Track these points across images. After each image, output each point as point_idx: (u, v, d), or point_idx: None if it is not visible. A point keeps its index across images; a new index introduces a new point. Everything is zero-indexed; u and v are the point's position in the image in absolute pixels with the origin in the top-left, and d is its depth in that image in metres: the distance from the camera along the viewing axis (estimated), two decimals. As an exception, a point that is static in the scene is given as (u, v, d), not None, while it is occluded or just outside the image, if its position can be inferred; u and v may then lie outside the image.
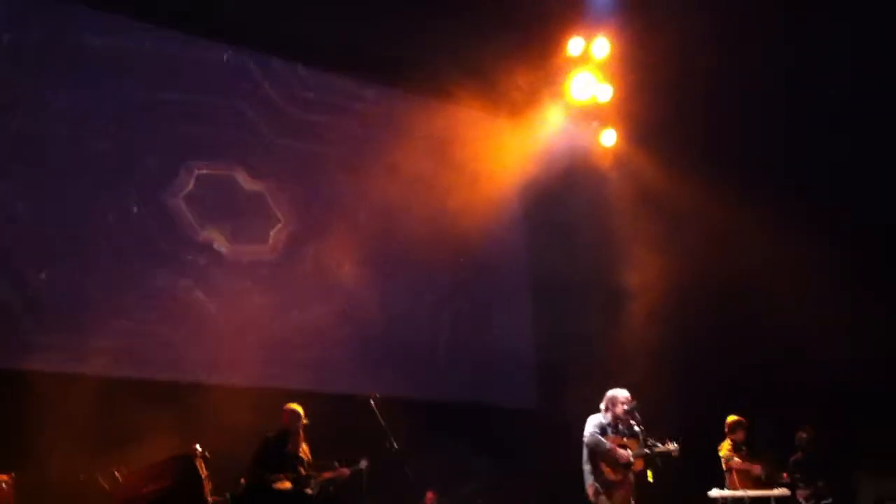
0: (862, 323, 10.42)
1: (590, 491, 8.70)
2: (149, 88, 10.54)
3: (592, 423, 8.75)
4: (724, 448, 9.78)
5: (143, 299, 10.10)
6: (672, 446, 8.64)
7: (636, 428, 8.76)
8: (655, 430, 8.79)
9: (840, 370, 10.52)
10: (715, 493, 9.46)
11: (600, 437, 8.65)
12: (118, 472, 7.87)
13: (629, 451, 8.64)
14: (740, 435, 9.81)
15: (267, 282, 10.94)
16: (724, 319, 11.58)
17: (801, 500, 9.62)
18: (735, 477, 9.63)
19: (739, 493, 9.47)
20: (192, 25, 10.90)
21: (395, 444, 8.67)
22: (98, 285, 9.83)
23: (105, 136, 10.16)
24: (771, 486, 9.45)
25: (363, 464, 8.72)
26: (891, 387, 10.27)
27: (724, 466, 9.73)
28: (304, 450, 8.64)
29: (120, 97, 10.35)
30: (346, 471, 8.66)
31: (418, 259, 11.74)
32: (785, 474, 9.75)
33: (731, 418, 9.88)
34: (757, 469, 9.59)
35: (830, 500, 9.76)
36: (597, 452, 8.63)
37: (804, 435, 10.02)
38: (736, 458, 9.67)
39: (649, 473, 8.69)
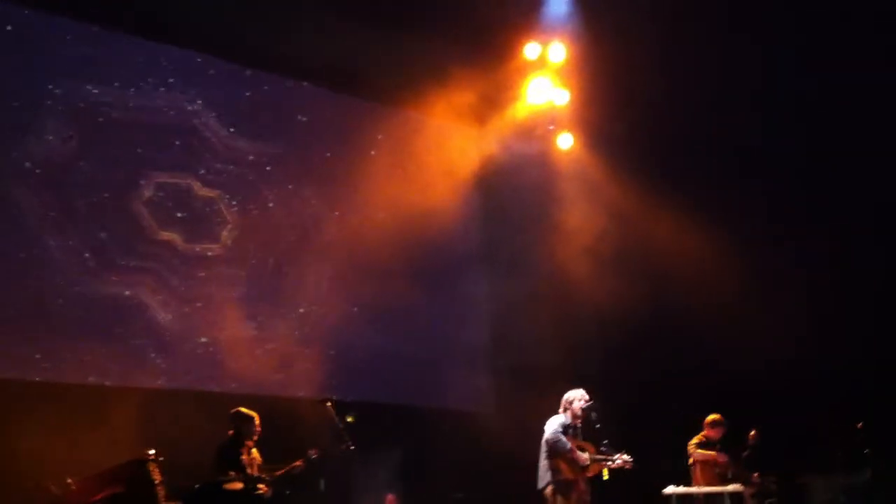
0: (815, 325, 10.52)
1: (547, 489, 8.82)
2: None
3: (557, 422, 8.88)
4: (693, 442, 9.83)
5: (95, 304, 9.99)
6: (626, 458, 8.81)
7: (593, 429, 8.90)
8: (610, 434, 8.89)
9: (790, 372, 10.67)
10: (670, 489, 9.54)
11: (563, 436, 8.76)
12: (70, 479, 7.77)
13: (587, 455, 8.77)
14: (716, 433, 9.83)
15: (220, 286, 10.85)
16: (673, 324, 11.68)
17: (746, 497, 9.61)
18: (698, 470, 9.70)
19: (693, 489, 9.57)
20: (150, 30, 10.80)
21: (351, 446, 8.66)
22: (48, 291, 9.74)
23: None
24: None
25: (313, 453, 8.67)
26: (839, 390, 10.38)
27: (689, 461, 9.79)
28: (255, 453, 8.61)
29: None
30: (298, 463, 8.62)
31: (376, 263, 11.71)
32: (755, 474, 9.73)
33: (712, 416, 9.90)
34: (722, 459, 9.64)
35: (775, 500, 9.79)
36: (557, 451, 8.74)
37: (754, 433, 10.04)
38: (699, 451, 9.73)
39: (605, 472, 8.82)
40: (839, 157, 11.03)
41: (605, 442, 8.80)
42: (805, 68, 10.95)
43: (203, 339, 10.61)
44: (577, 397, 9.00)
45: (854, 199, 10.99)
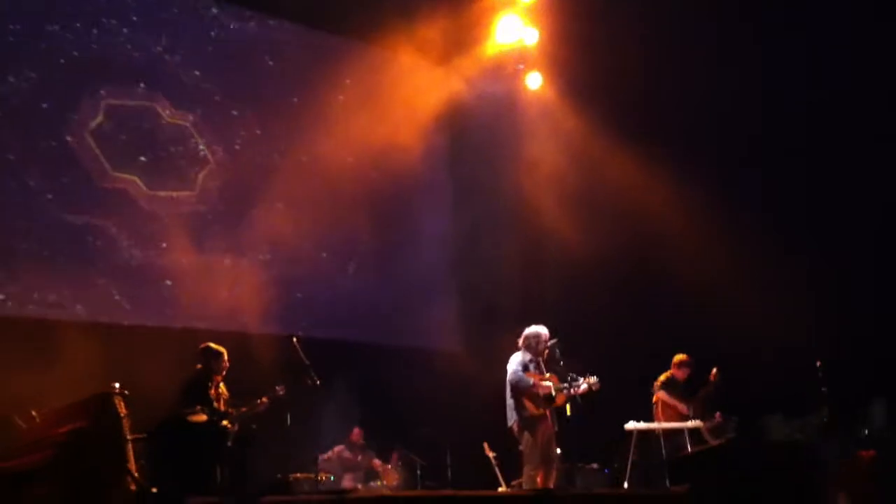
0: (777, 279, 10.57)
1: (514, 427, 8.91)
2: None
3: (515, 361, 8.96)
4: (660, 379, 9.91)
5: (59, 243, 9.93)
6: (592, 380, 8.85)
7: (557, 365, 8.98)
8: (574, 367, 8.97)
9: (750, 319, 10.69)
10: (631, 425, 9.65)
11: (522, 373, 8.83)
12: (35, 411, 7.77)
13: (551, 384, 8.83)
14: (682, 373, 9.92)
15: (188, 223, 10.78)
16: (639, 269, 11.75)
17: (704, 432, 9.69)
18: (660, 409, 9.81)
19: (654, 425, 9.68)
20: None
21: (317, 381, 8.70)
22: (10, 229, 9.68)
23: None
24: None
25: (280, 390, 8.74)
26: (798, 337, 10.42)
27: (653, 399, 9.88)
28: (223, 388, 8.65)
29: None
30: (264, 400, 8.68)
31: (343, 201, 11.69)
32: (717, 413, 9.82)
33: (679, 356, 9.98)
34: (685, 410, 9.75)
35: (732, 436, 9.76)
36: (519, 389, 8.82)
37: (715, 371, 10.03)
38: (664, 392, 9.83)
39: (567, 407, 8.89)
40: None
41: (571, 375, 8.86)
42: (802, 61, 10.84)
43: (168, 282, 10.55)
44: (539, 337, 9.05)
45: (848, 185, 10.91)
